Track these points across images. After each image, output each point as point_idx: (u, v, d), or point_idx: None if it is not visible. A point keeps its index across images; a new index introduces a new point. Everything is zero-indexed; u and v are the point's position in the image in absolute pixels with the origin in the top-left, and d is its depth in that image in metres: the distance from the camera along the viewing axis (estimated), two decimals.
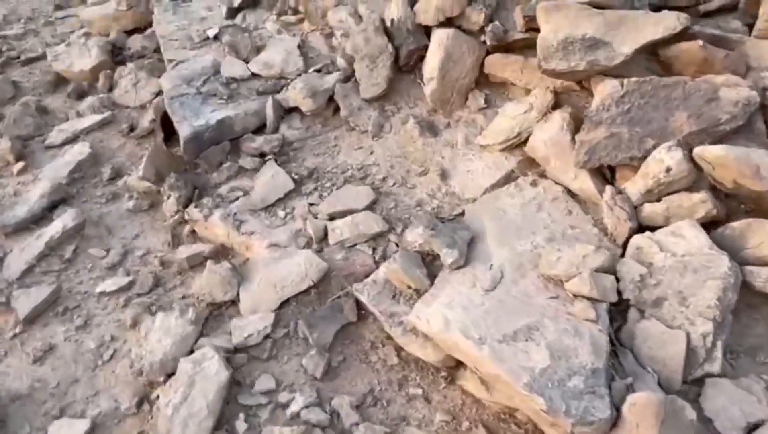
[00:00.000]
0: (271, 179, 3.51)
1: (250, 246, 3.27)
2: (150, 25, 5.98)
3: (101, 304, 3.26)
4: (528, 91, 3.60)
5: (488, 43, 3.63)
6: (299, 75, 4.09)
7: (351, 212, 3.22)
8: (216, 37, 4.81)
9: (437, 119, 3.77)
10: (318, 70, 4.12)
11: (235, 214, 3.41)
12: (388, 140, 3.73)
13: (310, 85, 3.91)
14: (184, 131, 3.78)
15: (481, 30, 3.68)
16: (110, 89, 5.29)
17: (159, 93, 4.95)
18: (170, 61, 4.60)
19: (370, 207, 3.25)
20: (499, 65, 3.64)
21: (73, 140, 4.64)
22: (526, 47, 3.61)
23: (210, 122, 3.83)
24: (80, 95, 5.31)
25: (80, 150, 4.38)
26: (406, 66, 3.92)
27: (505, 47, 3.65)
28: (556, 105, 3.30)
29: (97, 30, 6.01)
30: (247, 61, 4.35)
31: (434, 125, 3.72)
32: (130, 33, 5.97)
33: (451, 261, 2.70)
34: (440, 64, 3.66)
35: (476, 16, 3.65)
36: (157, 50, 5.56)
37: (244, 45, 4.40)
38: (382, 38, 3.92)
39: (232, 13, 5.13)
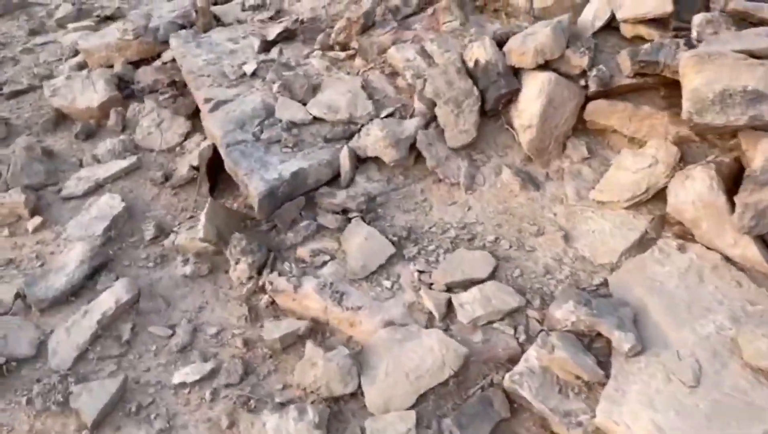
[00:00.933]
0: (366, 242, 3.07)
1: (355, 323, 2.82)
2: (158, 56, 5.43)
3: (182, 399, 2.72)
4: (633, 140, 3.34)
5: (592, 88, 3.34)
6: (370, 120, 3.68)
7: (473, 282, 2.82)
8: (254, 74, 4.33)
9: (534, 169, 3.43)
10: (390, 115, 3.71)
11: (331, 284, 2.95)
12: (484, 193, 3.36)
13: (392, 133, 3.50)
14: (257, 186, 3.28)
15: (582, 74, 3.39)
16: (123, 129, 4.71)
17: (188, 135, 4.44)
18: (207, 100, 4.08)
19: (493, 276, 2.86)
20: (604, 112, 3.35)
21: (96, 189, 4.05)
22: (629, 93, 3.35)
23: (284, 175, 3.35)
24: (88, 135, 4.71)
25: (110, 203, 3.80)
26: (492, 111, 3.57)
27: (606, 93, 3.37)
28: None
29: (97, 62, 5.40)
30: (304, 102, 3.90)
31: (533, 177, 3.38)
32: (135, 65, 5.41)
33: (629, 347, 2.35)
34: (541, 111, 3.34)
35: (578, 60, 3.36)
36: (173, 84, 5.03)
37: (300, 85, 3.95)
38: (466, 81, 3.56)
39: (266, 46, 4.66)
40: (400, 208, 3.35)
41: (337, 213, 3.33)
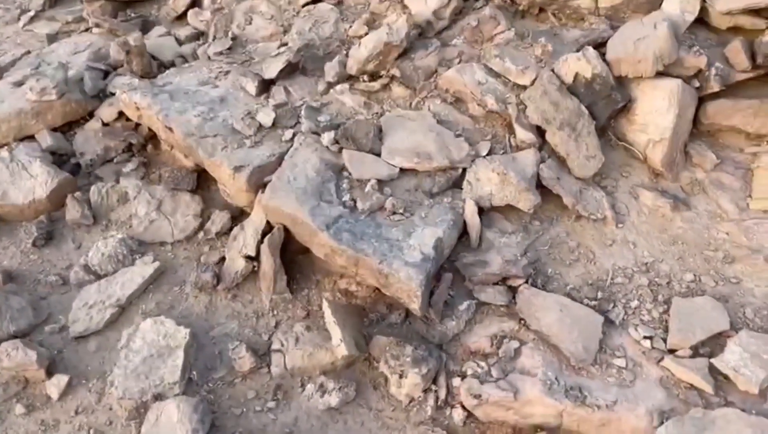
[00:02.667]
0: (564, 315, 2.52)
1: (611, 421, 2.29)
2: (90, 115, 4.24)
3: None
4: (756, 137, 3.16)
5: (713, 88, 3.09)
6: (473, 161, 3.08)
7: (718, 337, 2.43)
8: (274, 124, 3.47)
9: (667, 185, 3.10)
10: (490, 152, 3.14)
11: (556, 379, 2.38)
12: (636, 223, 2.96)
13: (515, 173, 2.94)
14: (409, 275, 2.54)
15: (696, 75, 3.12)
16: (95, 220, 3.57)
17: (204, 214, 3.47)
18: (238, 168, 3.17)
19: (731, 323, 2.49)
20: (726, 112, 3.12)
21: (121, 315, 2.98)
22: (742, 88, 3.16)
23: (426, 252, 2.64)
24: (49, 239, 3.50)
25: (160, 330, 2.79)
26: (602, 128, 3.18)
27: (718, 92, 3.14)
28: None
29: (7, 136, 4.05)
30: (374, 152, 3.16)
31: (674, 195, 3.06)
32: (60, 131, 4.17)
33: None
34: (674, 122, 3.01)
35: (694, 60, 3.07)
36: (130, 150, 3.95)
37: (364, 132, 3.19)
38: (571, 100, 3.11)
39: (264, 86, 3.78)
40: (559, 261, 2.84)
41: (497, 284, 2.72)
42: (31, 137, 4.08)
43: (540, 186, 2.99)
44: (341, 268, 2.84)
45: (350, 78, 3.73)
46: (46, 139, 3.97)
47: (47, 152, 3.92)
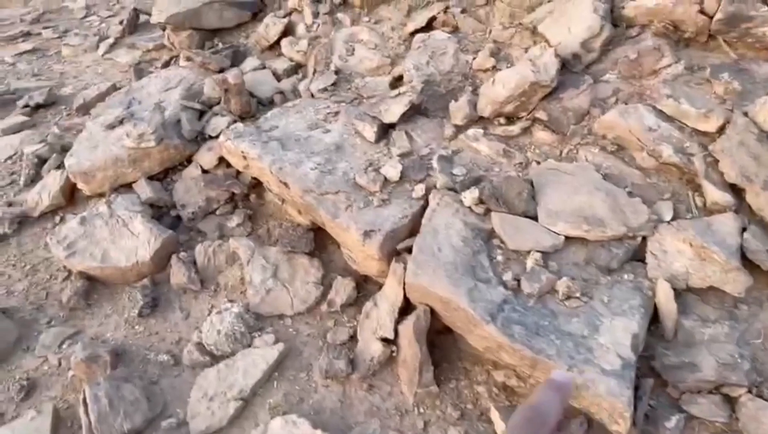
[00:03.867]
0: None
1: None
2: (188, 161, 3.90)
3: None
4: None
5: None
6: (654, 227, 2.54)
7: None
8: (402, 177, 3.02)
9: None
10: (675, 217, 2.59)
11: None
12: None
13: (722, 248, 2.39)
14: (609, 388, 2.03)
15: None
16: (202, 285, 3.20)
17: (326, 283, 3.04)
18: (368, 233, 2.73)
19: None
20: None
21: (243, 409, 2.57)
22: None
23: (626, 356, 2.13)
24: (153, 305, 3.15)
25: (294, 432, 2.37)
26: None
27: None
28: None
29: (101, 186, 3.75)
30: (528, 215, 2.67)
31: None
32: (156, 178, 3.84)
33: None
34: None
35: None
36: (233, 200, 3.58)
37: (516, 191, 2.70)
38: None
39: (384, 131, 3.34)
40: None
41: (710, 393, 2.18)
42: (126, 186, 3.78)
43: (742, 258, 2.42)
44: (506, 364, 2.35)
45: (481, 120, 3.25)
46: (145, 189, 3.65)
47: (146, 204, 3.59)
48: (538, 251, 2.50)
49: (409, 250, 2.70)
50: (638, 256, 2.51)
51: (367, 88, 3.79)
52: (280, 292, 2.97)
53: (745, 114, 2.63)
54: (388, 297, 2.69)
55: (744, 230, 2.46)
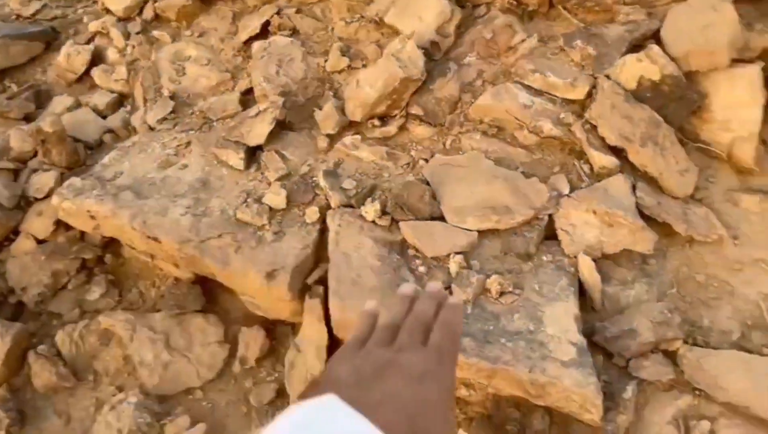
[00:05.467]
0: (756, 379, 2.10)
1: None
2: (15, 232, 3.27)
3: None
4: None
5: None
6: (557, 203, 2.56)
7: None
8: (288, 203, 2.75)
9: (759, 183, 2.77)
10: (572, 189, 2.63)
11: None
12: (752, 236, 2.58)
13: (624, 210, 2.46)
14: (575, 380, 1.97)
15: (761, 56, 2.79)
16: (77, 378, 2.69)
17: (229, 337, 2.70)
18: (271, 275, 2.44)
19: None
20: None
21: None
22: None
23: (578, 341, 2.09)
24: (21, 420, 2.58)
25: None
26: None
27: None
28: None
29: None
30: (437, 217, 2.56)
31: None
32: None
33: None
34: (761, 114, 2.67)
35: (759, 40, 2.75)
36: (101, 263, 3.08)
37: (418, 195, 2.54)
38: (642, 108, 2.68)
39: (251, 155, 3.02)
40: (699, 303, 2.39)
41: (653, 352, 2.24)
42: None
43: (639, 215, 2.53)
44: (460, 380, 2.23)
45: (353, 125, 3.07)
46: None
47: None
48: (457, 253, 2.40)
49: (320, 282, 2.47)
50: (549, 235, 2.51)
51: (214, 109, 3.42)
52: (179, 363, 2.57)
53: (608, 77, 2.73)
54: (311, 339, 2.43)
55: (635, 188, 2.56)
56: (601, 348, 2.24)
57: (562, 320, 2.14)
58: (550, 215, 2.52)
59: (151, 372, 2.55)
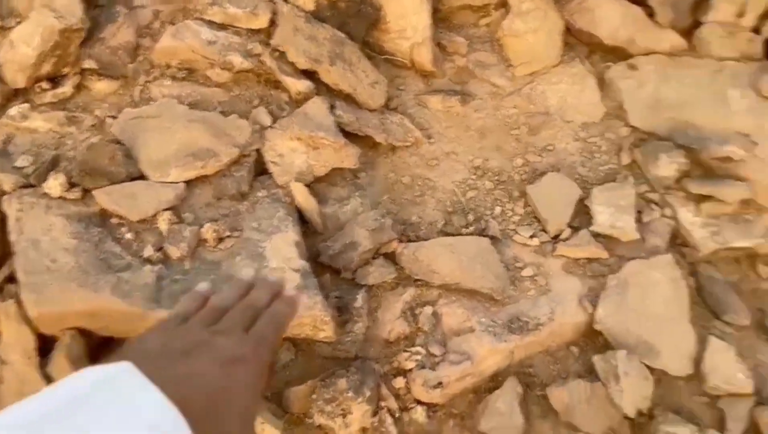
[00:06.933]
0: (459, 258, 2.32)
1: (551, 334, 2.26)
2: None
3: None
4: (481, 8, 3.25)
5: None
6: (261, 137, 2.50)
7: (579, 206, 2.53)
8: None
9: (440, 83, 3.01)
10: (274, 120, 2.59)
11: (492, 321, 2.21)
12: (443, 133, 2.81)
13: (325, 131, 2.49)
14: (302, 303, 1.99)
15: None
16: None
17: None
18: None
19: None
20: None
21: None
22: None
23: (300, 266, 2.09)
24: None
25: None
26: (360, 48, 2.89)
27: None
28: None
29: None
30: (137, 177, 2.33)
31: (452, 90, 3.01)
32: None
33: None
34: (430, 19, 2.88)
35: None
36: None
37: (108, 156, 2.27)
38: (324, 28, 2.72)
39: None
40: (408, 202, 2.57)
41: (375, 258, 2.36)
42: None
43: (342, 133, 2.61)
44: None
45: (19, 93, 2.65)
46: None
47: None
48: (166, 210, 2.23)
49: (10, 279, 2.13)
50: (260, 171, 2.46)
51: None
52: None
53: (286, 1, 2.70)
54: (14, 345, 2.10)
55: (333, 107, 2.61)
56: (328, 266, 2.29)
57: (283, 251, 2.13)
58: (257, 150, 2.46)
59: None
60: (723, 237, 2.37)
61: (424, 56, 2.88)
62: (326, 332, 2.01)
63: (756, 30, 2.93)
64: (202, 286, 0.93)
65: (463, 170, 2.67)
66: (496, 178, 2.64)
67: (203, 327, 0.77)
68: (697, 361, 2.14)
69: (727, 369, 2.06)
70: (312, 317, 1.99)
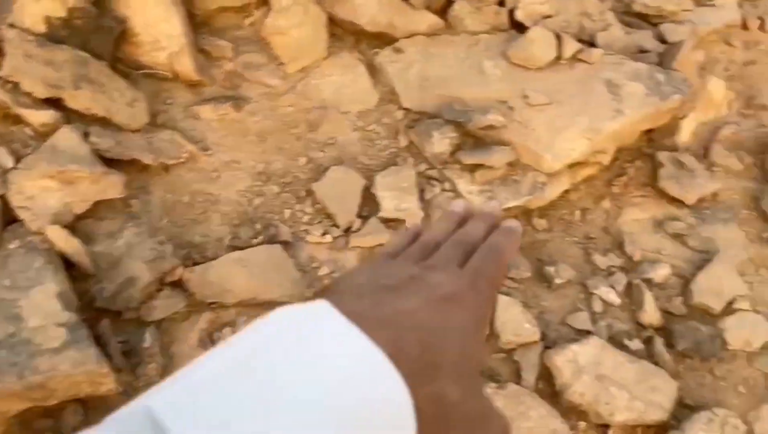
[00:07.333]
0: (250, 270, 2.23)
1: None
2: None
3: None
4: (242, 9, 3.16)
5: None
6: (4, 181, 2.20)
7: (367, 195, 2.55)
8: None
9: (214, 91, 2.89)
10: (18, 160, 2.28)
11: None
12: (220, 143, 2.69)
13: (78, 162, 2.25)
14: (74, 360, 1.74)
15: None
16: None
17: None
18: None
19: None
20: None
21: None
22: None
23: (64, 320, 1.86)
24: None
25: None
26: (112, 66, 2.66)
27: None
28: None
29: None
30: None
31: (223, 96, 2.89)
32: None
33: None
34: (183, 26, 2.72)
35: None
36: None
37: None
38: (62, 50, 2.46)
39: None
40: (190, 223, 2.42)
41: (159, 290, 2.18)
42: None
43: (103, 160, 2.39)
44: None
45: None
46: None
47: None
48: None
49: None
50: (10, 218, 2.17)
51: None
52: None
53: (12, 26, 2.39)
54: None
55: (87, 135, 2.37)
56: (106, 310, 2.08)
57: (44, 306, 1.89)
58: (1, 196, 2.15)
59: None
60: (498, 201, 2.51)
61: (186, 65, 2.72)
62: (107, 385, 1.82)
63: (501, 2, 3.14)
64: (414, 223, 0.78)
65: (246, 177, 2.57)
66: (282, 180, 2.57)
67: (413, 262, 0.67)
68: (491, 320, 2.25)
69: (515, 321, 2.19)
70: (86, 374, 1.78)
